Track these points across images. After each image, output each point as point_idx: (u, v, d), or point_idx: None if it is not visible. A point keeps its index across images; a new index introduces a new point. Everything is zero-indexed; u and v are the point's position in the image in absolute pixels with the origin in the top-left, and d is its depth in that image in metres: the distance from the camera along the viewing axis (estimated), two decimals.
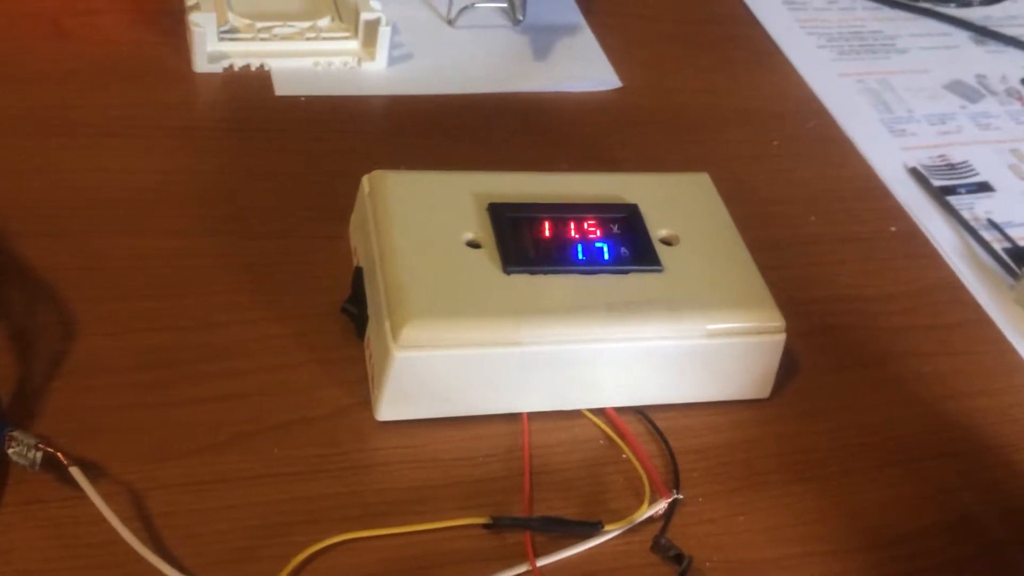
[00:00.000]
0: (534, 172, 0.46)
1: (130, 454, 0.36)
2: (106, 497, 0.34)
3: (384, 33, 0.55)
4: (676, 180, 0.47)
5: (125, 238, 0.44)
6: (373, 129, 0.53)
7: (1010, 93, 0.66)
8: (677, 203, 0.45)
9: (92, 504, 0.34)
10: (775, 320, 0.41)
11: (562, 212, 0.43)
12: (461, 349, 0.38)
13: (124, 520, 0.34)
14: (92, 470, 0.35)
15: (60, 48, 0.54)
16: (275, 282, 0.44)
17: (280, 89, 0.54)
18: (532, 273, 0.40)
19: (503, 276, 0.40)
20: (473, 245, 0.41)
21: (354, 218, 0.46)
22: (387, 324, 0.38)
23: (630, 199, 0.44)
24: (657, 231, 0.43)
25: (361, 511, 0.36)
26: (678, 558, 0.35)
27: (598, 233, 0.42)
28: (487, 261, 0.40)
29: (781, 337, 0.41)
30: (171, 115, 0.51)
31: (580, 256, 0.41)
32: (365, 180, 0.44)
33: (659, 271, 0.41)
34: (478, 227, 0.42)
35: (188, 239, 0.45)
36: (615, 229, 0.43)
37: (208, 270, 0.44)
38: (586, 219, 0.43)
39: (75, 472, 0.33)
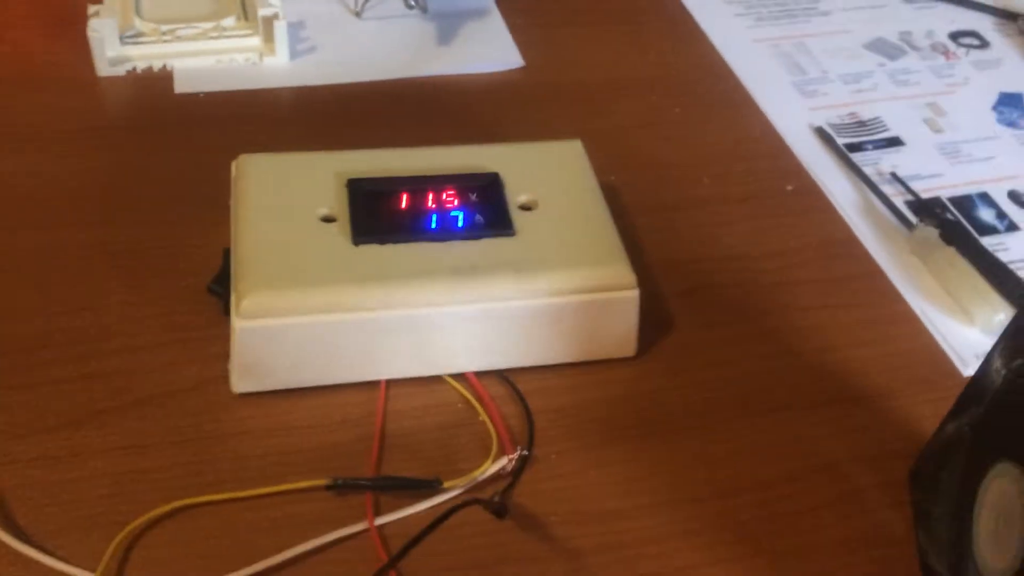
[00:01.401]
0: (404, 148, 0.46)
1: None
2: None
3: (281, 27, 0.56)
4: (545, 148, 0.47)
5: None
6: (272, 121, 0.54)
7: (935, 48, 0.65)
8: (543, 170, 0.46)
9: None
10: (625, 277, 0.41)
11: (422, 184, 0.43)
12: (304, 317, 0.39)
13: None
14: None
15: None
16: (150, 268, 0.45)
17: (180, 87, 0.55)
18: (382, 243, 0.41)
19: (352, 247, 0.41)
20: (328, 220, 0.42)
21: (230, 203, 0.47)
22: (233, 297, 0.39)
23: (495, 169, 0.45)
24: (517, 197, 0.44)
25: (211, 479, 0.38)
26: (498, 509, 0.36)
27: (455, 202, 0.43)
28: (338, 234, 0.41)
29: (633, 294, 0.42)
30: (69, 119, 0.53)
31: (433, 225, 0.42)
32: (233, 165, 0.45)
33: (511, 235, 0.42)
34: (336, 203, 0.42)
35: (62, 232, 0.46)
36: (473, 198, 0.43)
37: (81, 260, 0.45)
38: (445, 189, 0.43)
39: None
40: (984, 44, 0.66)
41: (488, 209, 0.43)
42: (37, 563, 0.34)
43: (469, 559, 0.36)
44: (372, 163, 0.45)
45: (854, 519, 0.39)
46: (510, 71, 0.60)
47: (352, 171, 0.44)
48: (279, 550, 0.35)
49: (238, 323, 0.38)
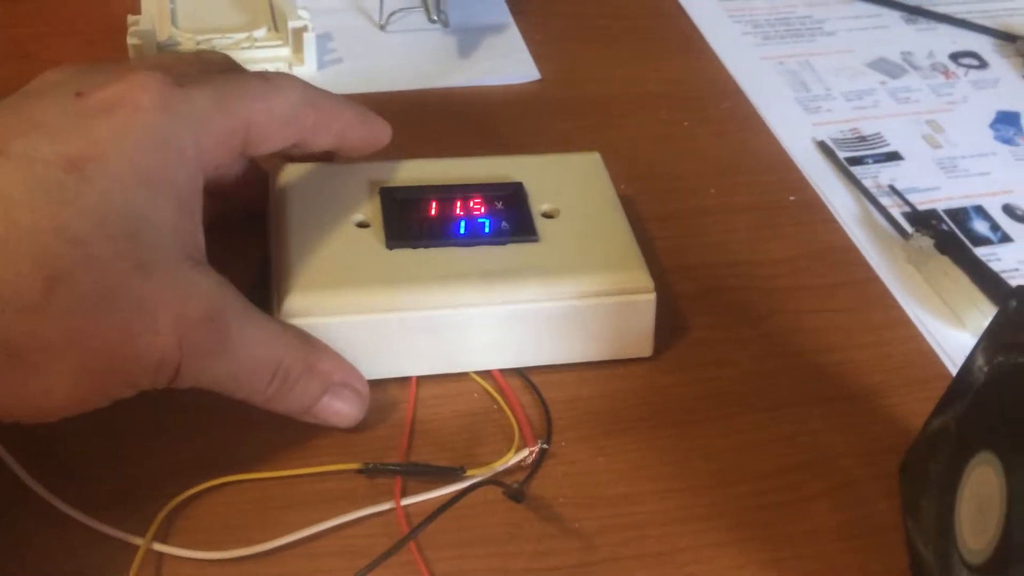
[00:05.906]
0: (431, 158, 0.49)
1: None
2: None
3: (310, 39, 0.59)
4: (566, 160, 0.50)
5: None
6: None
7: (935, 67, 0.68)
8: (563, 180, 0.48)
9: None
10: (643, 282, 0.44)
11: (449, 192, 0.46)
12: (341, 316, 0.42)
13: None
14: None
15: (21, 68, 0.59)
16: None
17: None
18: (414, 247, 0.44)
19: (386, 251, 0.43)
20: (362, 225, 0.45)
21: (269, 211, 0.50)
22: (275, 298, 0.42)
23: (518, 178, 0.48)
24: (540, 206, 0.47)
25: (250, 460, 0.40)
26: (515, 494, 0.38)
27: (482, 210, 0.46)
28: (372, 239, 0.44)
29: (650, 297, 0.44)
30: None
31: (461, 231, 0.45)
32: (272, 174, 0.48)
33: (535, 241, 0.45)
34: (369, 210, 0.45)
35: None
36: (499, 206, 0.46)
37: None
38: (472, 197, 0.46)
39: None
40: (983, 64, 0.69)
41: (513, 216, 0.45)
42: (93, 530, 0.37)
43: (483, 535, 0.39)
44: (402, 172, 0.48)
45: (848, 509, 0.41)
46: (527, 84, 0.63)
47: (383, 179, 0.47)
48: (308, 525, 0.38)
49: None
